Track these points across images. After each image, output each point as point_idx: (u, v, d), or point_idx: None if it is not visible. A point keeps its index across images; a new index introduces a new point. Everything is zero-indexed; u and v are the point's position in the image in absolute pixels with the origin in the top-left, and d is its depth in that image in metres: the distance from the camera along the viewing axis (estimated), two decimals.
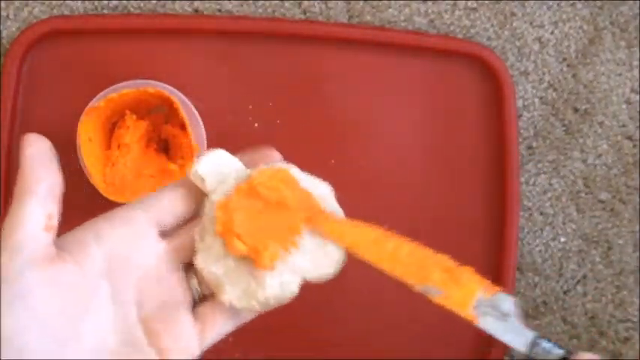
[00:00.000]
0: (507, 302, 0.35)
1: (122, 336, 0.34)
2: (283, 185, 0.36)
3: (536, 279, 0.58)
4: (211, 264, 0.35)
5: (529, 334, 0.35)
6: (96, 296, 0.33)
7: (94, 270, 0.33)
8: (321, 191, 0.37)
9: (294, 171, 0.37)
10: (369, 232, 0.35)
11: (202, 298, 0.37)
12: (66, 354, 0.32)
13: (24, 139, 0.35)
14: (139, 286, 0.35)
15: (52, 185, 0.34)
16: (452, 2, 0.57)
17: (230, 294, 0.35)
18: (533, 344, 0.35)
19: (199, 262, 0.35)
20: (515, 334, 0.35)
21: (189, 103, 0.53)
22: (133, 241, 0.34)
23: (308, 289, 0.53)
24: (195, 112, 0.53)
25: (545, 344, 0.35)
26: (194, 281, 0.36)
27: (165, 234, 0.36)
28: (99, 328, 0.33)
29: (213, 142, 0.53)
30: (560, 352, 0.35)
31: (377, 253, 0.35)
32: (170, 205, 0.36)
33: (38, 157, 0.35)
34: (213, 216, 0.35)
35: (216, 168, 0.36)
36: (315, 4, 0.56)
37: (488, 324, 0.35)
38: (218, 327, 0.36)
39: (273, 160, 0.37)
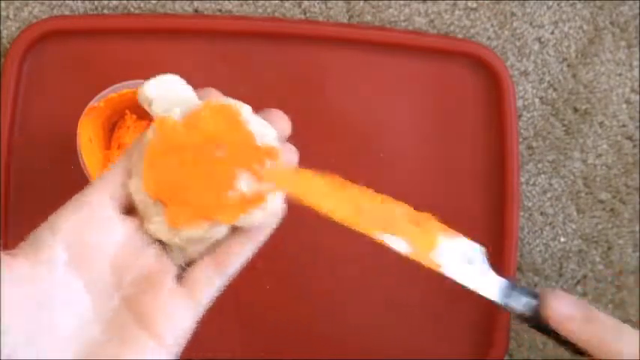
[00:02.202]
0: (472, 248, 0.34)
1: (107, 323, 0.33)
2: (226, 122, 0.34)
3: (536, 279, 0.58)
4: (140, 191, 0.34)
5: (498, 281, 0.34)
6: (65, 288, 0.33)
7: (54, 263, 0.32)
8: (268, 138, 0.35)
9: (245, 110, 0.35)
10: (329, 185, 0.33)
11: (188, 264, 0.35)
12: (39, 350, 0.31)
13: None
14: (113, 267, 0.34)
15: None
16: (452, 2, 0.57)
17: (156, 224, 0.34)
18: (504, 291, 0.34)
19: (131, 186, 0.34)
20: (482, 281, 0.34)
21: None
22: (93, 224, 0.33)
23: (308, 289, 0.53)
24: None
25: (516, 289, 0.34)
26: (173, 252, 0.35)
27: (130, 209, 0.35)
28: (76, 318, 0.32)
29: None
30: (530, 297, 0.34)
31: (338, 204, 0.33)
32: (118, 178, 0.35)
33: None
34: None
35: (166, 93, 0.35)
36: (315, 4, 0.56)
37: (452, 271, 0.33)
38: (206, 284, 0.35)
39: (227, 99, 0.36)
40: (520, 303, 0.34)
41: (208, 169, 0.34)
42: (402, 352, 0.56)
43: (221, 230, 0.35)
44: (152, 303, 0.34)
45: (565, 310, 0.34)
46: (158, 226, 0.34)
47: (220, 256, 0.35)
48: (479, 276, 0.34)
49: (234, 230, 0.35)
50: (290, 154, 0.37)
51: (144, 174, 0.34)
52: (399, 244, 0.33)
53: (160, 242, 0.35)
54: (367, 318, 0.55)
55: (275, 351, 0.55)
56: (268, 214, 0.35)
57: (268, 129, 0.35)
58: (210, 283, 0.35)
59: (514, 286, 0.34)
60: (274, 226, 0.36)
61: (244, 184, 0.34)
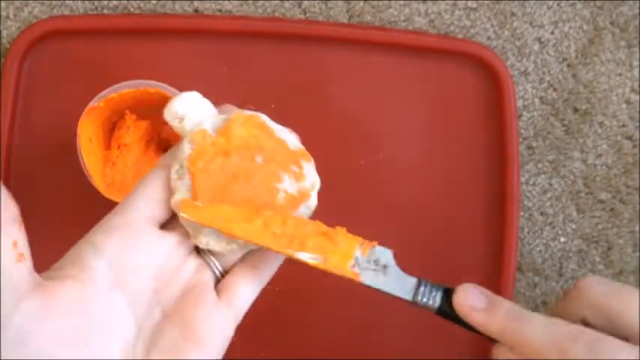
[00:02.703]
0: (385, 254, 0.35)
1: (150, 339, 0.33)
2: (258, 131, 0.36)
3: (536, 279, 0.58)
4: None
5: (411, 281, 0.35)
6: (110, 309, 0.33)
7: (98, 283, 0.32)
8: (293, 141, 0.37)
9: (266, 119, 0.37)
10: (239, 211, 0.35)
11: (225, 271, 0.36)
12: None
13: None
14: (155, 284, 0.34)
15: (7, 213, 0.31)
16: (452, 2, 0.57)
17: (207, 236, 0.35)
18: (416, 289, 0.35)
19: (173, 203, 0.35)
20: (397, 284, 0.35)
21: None
22: (133, 243, 0.34)
23: (308, 289, 0.53)
24: None
25: (426, 286, 0.35)
26: (209, 258, 0.36)
27: (164, 224, 0.35)
28: (121, 340, 0.33)
29: None
30: (440, 291, 0.36)
31: (249, 229, 0.34)
32: (156, 194, 0.35)
33: None
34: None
35: (194, 109, 0.36)
36: (315, 4, 0.56)
37: (370, 279, 0.35)
38: (244, 291, 0.35)
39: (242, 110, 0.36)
40: (432, 299, 0.36)
41: (254, 175, 0.35)
42: (402, 352, 0.56)
43: None
44: (196, 315, 0.34)
45: (469, 302, 0.35)
46: (209, 238, 0.35)
47: (255, 262, 0.36)
48: (393, 280, 0.35)
49: None
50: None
51: (194, 188, 0.34)
52: (315, 260, 0.35)
53: (198, 251, 0.36)
54: (367, 318, 0.56)
55: (275, 351, 0.55)
56: (308, 209, 0.37)
57: (290, 134, 0.37)
58: (248, 290, 0.36)
59: (425, 283, 0.36)
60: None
61: (287, 184, 0.36)
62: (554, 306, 0.38)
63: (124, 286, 0.33)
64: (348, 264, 0.35)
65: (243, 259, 0.37)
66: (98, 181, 0.50)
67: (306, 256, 0.35)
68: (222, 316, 0.35)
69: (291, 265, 0.37)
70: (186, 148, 0.35)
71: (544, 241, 0.58)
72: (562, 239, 0.58)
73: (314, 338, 0.56)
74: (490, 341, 0.36)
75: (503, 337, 0.35)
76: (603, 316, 0.35)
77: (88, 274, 0.32)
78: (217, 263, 0.36)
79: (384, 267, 0.35)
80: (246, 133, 0.35)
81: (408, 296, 0.35)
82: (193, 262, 0.36)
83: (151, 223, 0.35)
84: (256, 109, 0.37)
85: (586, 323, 0.36)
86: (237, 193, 0.35)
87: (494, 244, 0.56)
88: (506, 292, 0.55)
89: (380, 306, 0.56)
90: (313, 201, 0.37)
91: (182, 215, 0.34)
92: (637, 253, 0.58)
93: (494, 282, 0.56)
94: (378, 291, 0.35)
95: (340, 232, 0.36)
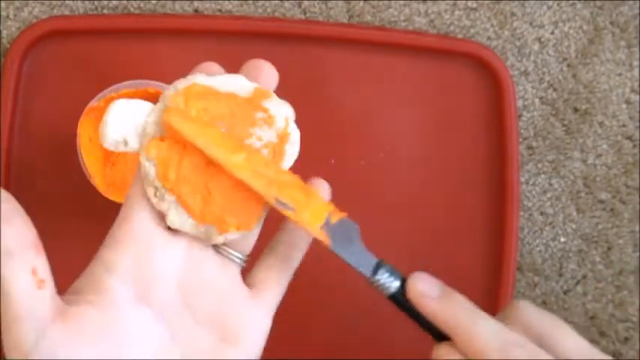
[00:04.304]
0: (352, 227, 0.35)
1: (185, 346, 0.32)
2: (204, 100, 0.33)
3: (536, 279, 0.58)
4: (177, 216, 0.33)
5: (372, 260, 0.35)
6: (136, 325, 0.31)
7: (119, 303, 0.31)
8: (243, 84, 0.34)
9: (202, 79, 0.34)
10: (224, 138, 0.33)
11: (247, 257, 0.35)
12: None
13: None
14: (180, 290, 0.33)
15: (23, 240, 0.30)
16: (452, 2, 0.57)
17: (169, 205, 0.33)
18: (376, 268, 0.35)
19: (174, 222, 0.33)
20: (361, 259, 0.35)
21: None
22: (147, 255, 0.32)
23: (308, 290, 0.53)
24: None
25: (385, 269, 0.35)
26: (228, 250, 0.34)
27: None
28: (154, 353, 0.31)
29: None
30: (398, 276, 0.36)
31: (230, 158, 0.33)
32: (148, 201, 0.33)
33: (2, 216, 0.30)
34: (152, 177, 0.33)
35: (126, 125, 0.33)
36: (315, 4, 0.56)
37: (338, 247, 0.35)
38: (274, 282, 0.35)
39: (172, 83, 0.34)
40: (388, 280, 0.36)
41: (226, 143, 0.33)
42: (401, 352, 0.56)
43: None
44: (230, 315, 0.33)
45: (423, 288, 0.35)
46: (170, 207, 0.33)
47: (283, 252, 0.36)
48: (357, 254, 0.35)
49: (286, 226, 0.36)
50: (323, 190, 0.36)
51: (183, 202, 0.33)
52: (288, 210, 0.34)
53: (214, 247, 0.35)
54: (367, 318, 0.55)
55: (275, 351, 0.55)
56: (294, 145, 0.35)
57: (236, 78, 0.34)
58: (280, 282, 0.35)
59: (387, 266, 0.36)
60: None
61: (263, 136, 0.34)
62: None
63: (147, 299, 0.32)
64: (318, 224, 0.34)
65: (271, 248, 0.36)
66: (98, 181, 0.50)
67: (280, 203, 0.34)
68: (257, 312, 0.34)
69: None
70: (148, 169, 0.32)
71: (544, 241, 0.58)
72: (562, 239, 0.58)
73: (313, 338, 0.55)
74: (434, 339, 0.36)
75: (454, 330, 0.34)
76: (536, 334, 0.35)
77: (105, 297, 0.31)
78: (237, 253, 0.34)
79: (350, 239, 0.35)
80: (194, 113, 0.33)
81: (368, 272, 0.35)
82: (213, 258, 0.34)
83: (156, 230, 0.33)
84: None
85: None
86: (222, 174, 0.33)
87: (494, 244, 0.56)
88: (506, 292, 0.55)
89: (379, 306, 0.55)
90: (295, 134, 0.35)
91: (152, 151, 0.32)
92: (637, 253, 0.58)
93: (495, 282, 0.56)
94: (342, 260, 0.35)
95: (317, 193, 0.35)
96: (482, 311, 0.35)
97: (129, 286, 0.32)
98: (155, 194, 0.33)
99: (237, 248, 0.35)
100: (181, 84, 0.34)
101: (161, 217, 0.33)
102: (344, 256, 0.35)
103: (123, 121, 0.32)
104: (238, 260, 0.35)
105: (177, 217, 0.33)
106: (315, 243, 0.36)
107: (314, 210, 0.34)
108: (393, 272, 0.36)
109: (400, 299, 0.36)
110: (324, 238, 0.34)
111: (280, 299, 0.35)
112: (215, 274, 0.34)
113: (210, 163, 0.33)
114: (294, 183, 0.34)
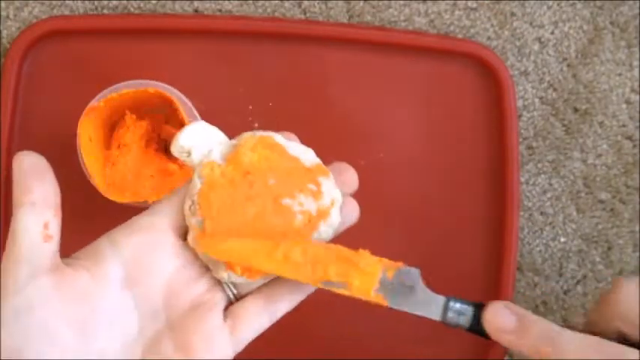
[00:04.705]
0: (410, 274, 0.34)
1: (148, 345, 0.33)
2: (269, 152, 0.35)
3: (536, 279, 0.58)
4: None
5: (439, 300, 0.34)
6: (116, 305, 0.33)
7: (111, 279, 0.33)
8: (309, 157, 0.36)
9: (279, 137, 0.36)
10: (257, 245, 0.34)
11: (240, 297, 0.36)
12: None
13: (15, 157, 0.34)
14: (165, 291, 0.34)
15: (44, 194, 0.33)
16: (452, 2, 0.57)
17: (228, 273, 0.34)
18: (445, 309, 0.34)
19: (190, 240, 0.35)
20: (426, 304, 0.34)
21: (189, 103, 0.53)
22: (153, 247, 0.34)
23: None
24: (195, 112, 0.53)
25: (456, 305, 0.34)
26: (226, 274, 0.35)
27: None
28: (121, 338, 0.33)
29: None
30: (470, 309, 0.34)
31: (271, 263, 0.34)
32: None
33: (30, 169, 0.33)
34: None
35: (201, 140, 0.35)
36: (315, 4, 0.56)
37: (397, 302, 0.34)
38: (251, 322, 0.35)
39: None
40: (462, 318, 0.35)
41: (267, 199, 0.34)
42: (401, 352, 0.56)
43: None
44: (196, 333, 0.34)
45: (500, 324, 0.35)
46: (230, 272, 0.34)
47: (270, 293, 0.36)
48: (421, 301, 0.34)
49: None
50: (351, 211, 0.37)
51: (210, 223, 0.34)
52: (340, 288, 0.34)
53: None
54: (367, 318, 0.55)
55: (275, 351, 0.55)
56: (330, 228, 0.36)
57: (306, 150, 0.36)
58: (256, 321, 0.35)
59: (455, 301, 0.35)
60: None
61: (305, 204, 0.35)
62: (591, 310, 0.37)
63: (135, 287, 0.33)
64: (373, 288, 0.34)
65: (259, 289, 0.36)
66: (98, 181, 0.50)
67: (329, 285, 0.34)
68: (221, 340, 0.34)
69: None
70: (197, 183, 0.34)
71: (544, 241, 0.58)
72: (562, 239, 0.58)
73: (313, 339, 0.55)
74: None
75: (536, 356, 0.34)
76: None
77: (101, 269, 0.33)
78: (233, 287, 0.36)
79: (411, 288, 0.34)
80: (256, 157, 0.35)
81: (437, 317, 0.34)
82: (209, 279, 0.35)
83: (174, 231, 0.35)
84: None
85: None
86: (252, 221, 0.34)
87: (494, 244, 0.56)
88: (506, 292, 0.55)
89: (379, 306, 0.55)
90: (335, 218, 0.36)
91: (199, 251, 0.34)
92: (637, 253, 0.58)
93: (495, 282, 0.56)
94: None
95: (363, 255, 0.34)
96: (562, 330, 0.34)
97: (124, 267, 0.33)
98: (190, 207, 0.34)
99: (237, 285, 0.36)
100: (260, 132, 0.36)
101: (185, 229, 0.35)
102: (406, 310, 0.34)
103: (197, 136, 0.35)
104: (230, 293, 0.36)
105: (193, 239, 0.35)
106: None
107: (363, 277, 0.34)
108: (462, 306, 0.34)
109: (477, 329, 0.35)
110: (380, 300, 0.34)
111: (253, 338, 0.35)
112: (202, 292, 0.35)
113: (250, 207, 0.34)
114: (337, 257, 0.34)
